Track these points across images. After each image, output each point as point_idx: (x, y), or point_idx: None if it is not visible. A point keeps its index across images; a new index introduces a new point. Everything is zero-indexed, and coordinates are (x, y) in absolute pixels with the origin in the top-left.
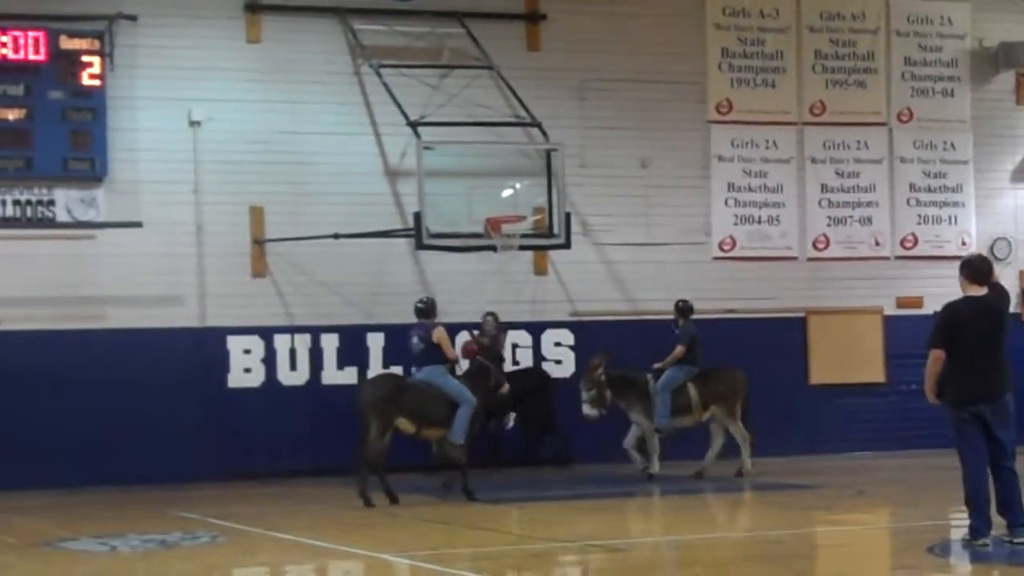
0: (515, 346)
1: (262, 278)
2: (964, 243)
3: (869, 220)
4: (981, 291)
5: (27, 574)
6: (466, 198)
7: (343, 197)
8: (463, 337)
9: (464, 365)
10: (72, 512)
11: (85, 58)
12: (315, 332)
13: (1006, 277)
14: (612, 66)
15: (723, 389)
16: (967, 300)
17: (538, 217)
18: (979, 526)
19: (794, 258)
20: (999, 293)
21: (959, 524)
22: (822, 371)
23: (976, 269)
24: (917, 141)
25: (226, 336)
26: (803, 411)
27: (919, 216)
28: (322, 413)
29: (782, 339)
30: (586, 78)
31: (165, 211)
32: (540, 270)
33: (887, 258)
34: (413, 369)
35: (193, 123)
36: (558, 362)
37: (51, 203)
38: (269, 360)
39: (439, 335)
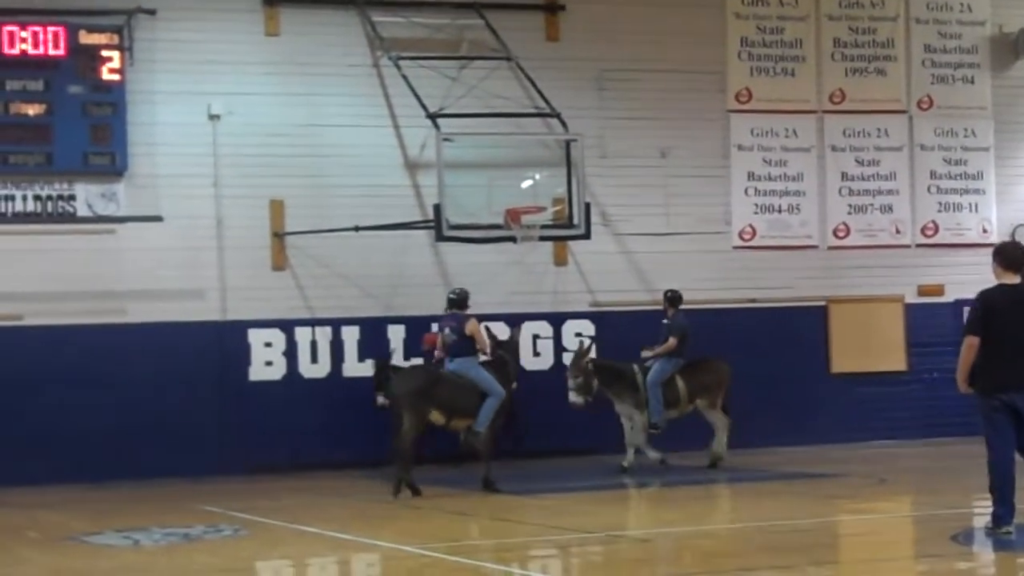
0: (536, 337)
1: (282, 271)
2: (985, 230)
3: (890, 208)
4: (1015, 279)
5: (51, 568)
6: (486, 189)
7: (363, 189)
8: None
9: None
10: (95, 506)
11: (104, 53)
12: (336, 325)
13: None
14: (631, 56)
15: (709, 380)
16: (1001, 288)
17: (558, 208)
18: (1003, 513)
19: (814, 247)
20: None
21: (982, 512)
22: (843, 360)
23: (1010, 256)
24: (937, 128)
25: (247, 329)
26: (824, 400)
27: (940, 204)
28: (343, 405)
29: (803, 328)
30: (605, 68)
31: (185, 205)
32: (560, 261)
33: (908, 246)
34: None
35: (212, 117)
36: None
37: (71, 198)
38: (290, 353)
39: (472, 327)
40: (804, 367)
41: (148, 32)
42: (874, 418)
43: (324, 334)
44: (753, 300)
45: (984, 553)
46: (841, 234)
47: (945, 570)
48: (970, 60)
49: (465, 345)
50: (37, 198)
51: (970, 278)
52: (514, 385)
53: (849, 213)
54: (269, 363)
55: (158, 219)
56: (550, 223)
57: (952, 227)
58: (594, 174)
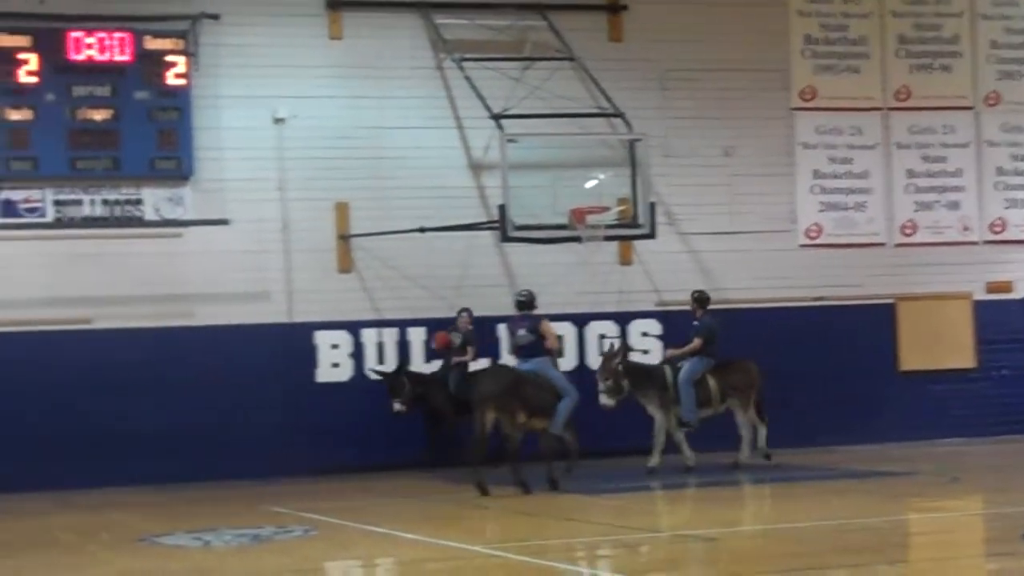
0: (601, 337)
1: (348, 273)
2: None
3: (957, 205)
4: None
5: (123, 569)
6: (550, 190)
7: (427, 191)
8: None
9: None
10: (165, 508)
11: (170, 58)
12: (402, 326)
13: None
14: (694, 55)
15: (741, 380)
16: None
17: (623, 207)
18: None
19: (881, 244)
20: None
21: None
22: (912, 358)
23: None
24: (1004, 124)
25: (313, 331)
26: (893, 398)
27: (1007, 200)
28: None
29: (870, 326)
30: (668, 68)
31: (251, 208)
32: (625, 260)
33: (975, 243)
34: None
35: (277, 120)
36: (645, 351)
37: (139, 202)
38: (357, 354)
39: (546, 327)
40: (871, 365)
41: (212, 37)
42: (943, 416)
43: (391, 335)
44: (820, 298)
45: None
46: (908, 231)
47: (1016, 568)
48: None
49: (539, 346)
50: (105, 203)
51: None
52: None
53: (916, 210)
54: (336, 365)
55: (224, 222)
56: (615, 223)
57: (1020, 223)
58: (658, 173)
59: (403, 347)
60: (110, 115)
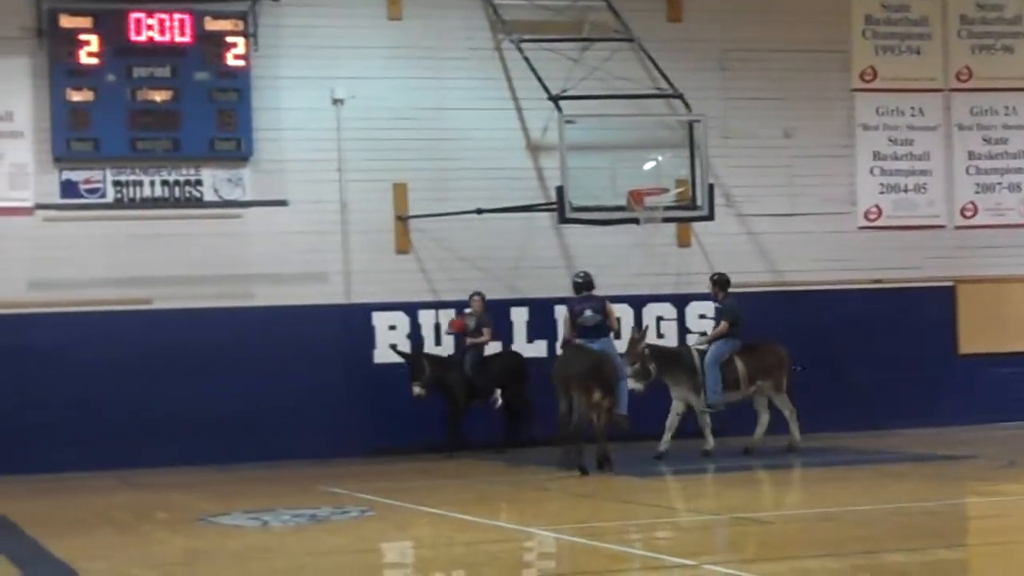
0: (659, 319)
1: (406, 254)
2: None
3: (1018, 187)
4: None
5: (182, 548)
6: (608, 171)
7: (485, 172)
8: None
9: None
10: (222, 488)
11: (229, 39)
12: (459, 307)
13: None
14: (754, 36)
15: (769, 363)
16: None
17: (681, 189)
18: None
19: (942, 226)
20: None
21: None
22: (972, 341)
23: None
24: None
25: (371, 312)
26: (953, 381)
27: None
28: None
29: (931, 309)
30: (728, 48)
31: (310, 189)
32: (684, 242)
33: None
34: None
35: (336, 101)
36: (702, 333)
37: (199, 183)
38: (414, 335)
39: (610, 307)
40: (931, 348)
41: (272, 18)
42: (1004, 399)
43: (448, 316)
44: (879, 281)
45: None
46: (968, 213)
47: None
48: None
49: (605, 326)
50: (164, 183)
51: None
52: None
53: (976, 192)
54: (393, 345)
55: (283, 203)
56: (673, 204)
57: None
58: (717, 155)
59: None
60: (170, 96)
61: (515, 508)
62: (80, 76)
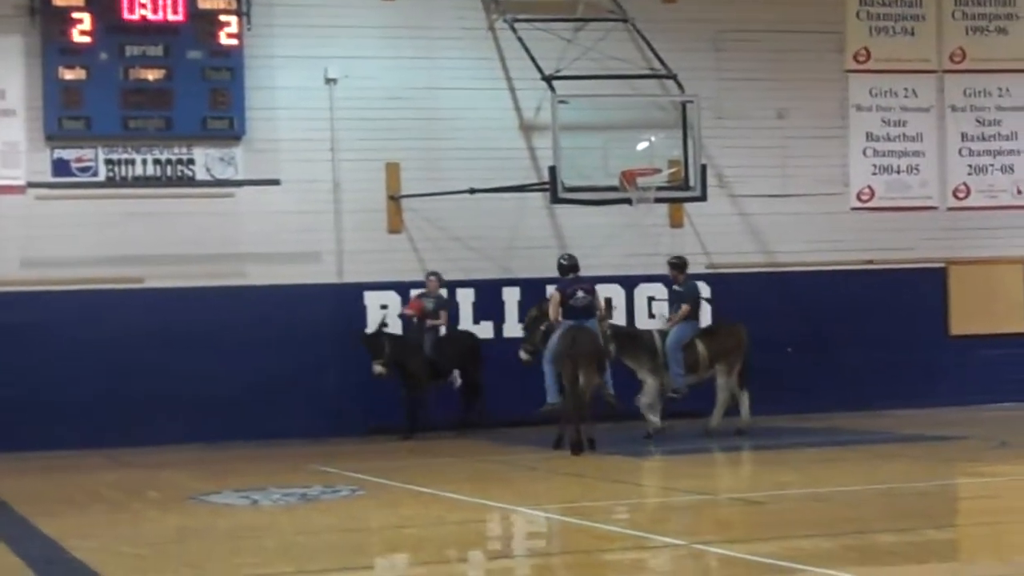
0: (650, 300)
1: (398, 234)
2: None
3: (1011, 168)
4: None
5: (172, 527)
6: (601, 151)
7: (478, 152)
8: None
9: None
10: (213, 466)
11: (223, 18)
12: (451, 287)
13: None
14: (748, 17)
15: (730, 344)
16: None
17: (673, 170)
18: None
19: (934, 208)
20: None
21: None
22: (963, 322)
23: None
24: None
25: (363, 292)
26: (943, 363)
27: None
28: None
29: (921, 290)
30: (721, 29)
31: (302, 168)
32: (676, 223)
33: None
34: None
35: (329, 81)
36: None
37: (191, 162)
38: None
39: (597, 290)
40: (922, 329)
41: None
42: (994, 381)
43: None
44: (870, 261)
45: None
46: (961, 195)
47: None
48: None
49: (593, 307)
50: (157, 162)
51: None
52: None
53: (969, 174)
54: (385, 325)
55: (276, 183)
56: (666, 185)
57: None
58: (710, 135)
59: (452, 308)
60: (163, 75)
61: (507, 488)
62: (72, 54)
